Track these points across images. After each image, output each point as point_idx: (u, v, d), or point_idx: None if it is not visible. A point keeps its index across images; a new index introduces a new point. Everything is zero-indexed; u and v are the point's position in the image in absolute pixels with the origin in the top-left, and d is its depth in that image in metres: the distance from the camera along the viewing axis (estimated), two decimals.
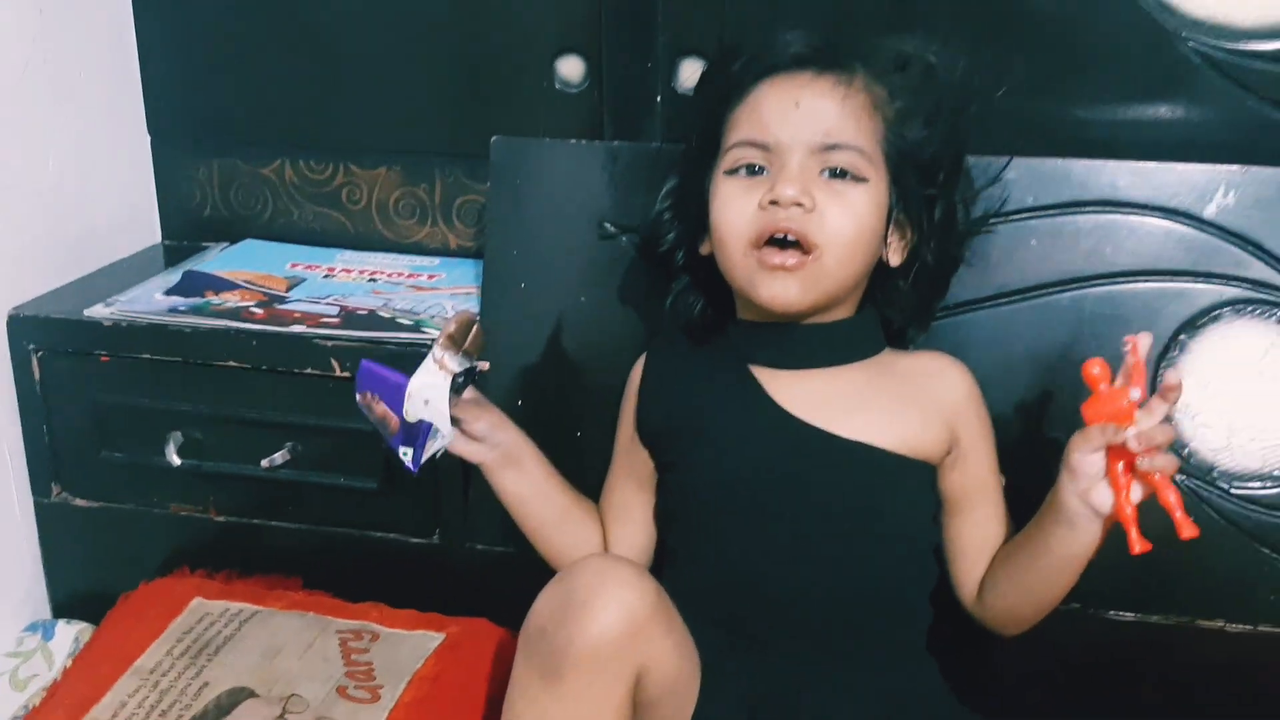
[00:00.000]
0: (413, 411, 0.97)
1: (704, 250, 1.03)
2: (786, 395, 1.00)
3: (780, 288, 0.95)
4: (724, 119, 0.99)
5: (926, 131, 0.98)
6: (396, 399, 0.97)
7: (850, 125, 0.95)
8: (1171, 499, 0.85)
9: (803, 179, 0.93)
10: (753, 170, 0.96)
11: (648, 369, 1.07)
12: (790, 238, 0.93)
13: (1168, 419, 0.86)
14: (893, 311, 1.04)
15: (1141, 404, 0.85)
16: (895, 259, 1.00)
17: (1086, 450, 0.87)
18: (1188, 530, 0.84)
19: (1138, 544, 0.86)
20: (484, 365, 0.99)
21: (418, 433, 0.97)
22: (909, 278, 1.02)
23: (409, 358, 1.16)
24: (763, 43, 0.99)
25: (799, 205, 0.93)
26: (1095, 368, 0.86)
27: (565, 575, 0.88)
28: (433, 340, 0.98)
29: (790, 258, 0.94)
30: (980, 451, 1.01)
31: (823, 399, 0.99)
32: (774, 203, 0.93)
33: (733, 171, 0.97)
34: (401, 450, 0.99)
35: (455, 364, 0.96)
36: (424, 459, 0.98)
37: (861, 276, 0.99)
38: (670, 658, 0.89)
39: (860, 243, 0.96)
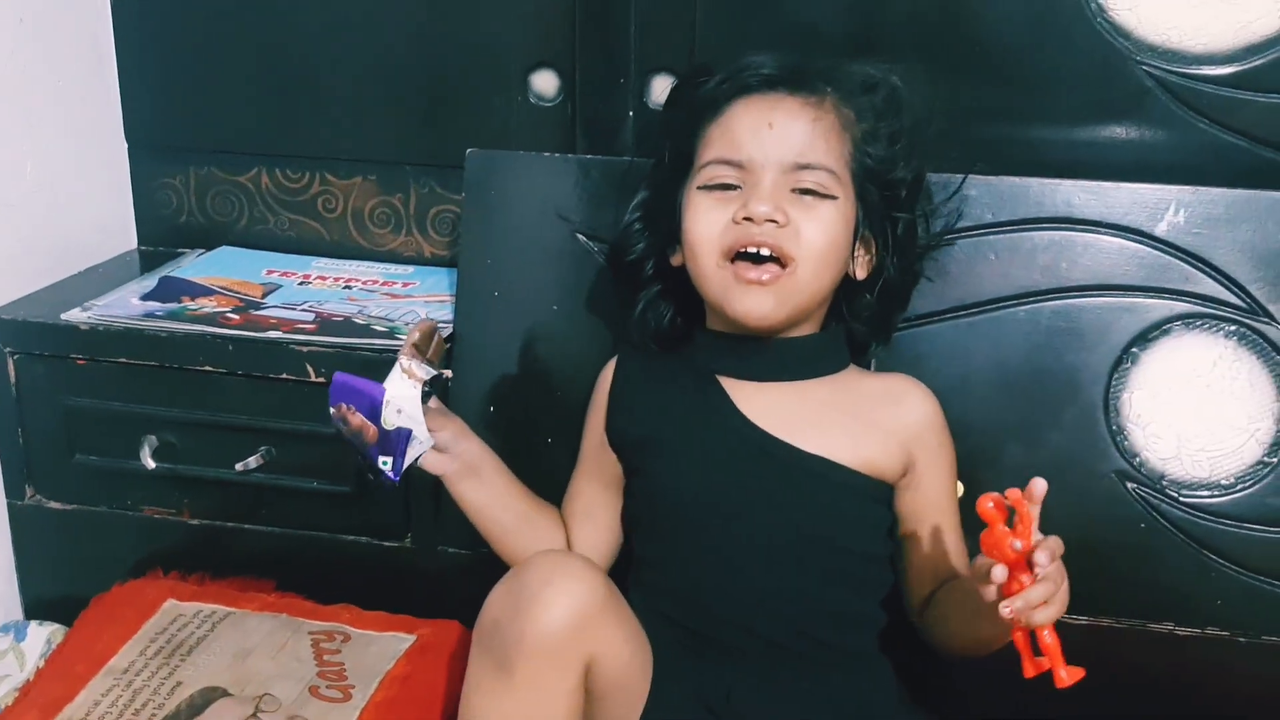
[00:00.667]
0: (391, 419, 0.98)
1: (675, 261, 1.05)
2: (752, 407, 1.02)
3: (754, 302, 0.98)
4: (697, 135, 1.02)
5: (891, 151, 1.01)
6: (374, 408, 0.98)
7: (820, 145, 0.98)
8: (1049, 641, 0.84)
9: (775, 196, 0.96)
10: (726, 186, 0.99)
11: (617, 375, 1.10)
12: (765, 252, 0.96)
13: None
14: (857, 324, 1.07)
15: (1031, 552, 0.84)
16: (861, 273, 1.04)
17: (980, 580, 0.86)
18: (1063, 678, 0.84)
19: (1029, 669, 0.86)
20: (448, 373, 1.01)
21: (397, 440, 0.99)
22: (874, 291, 1.05)
23: (383, 364, 1.17)
24: (735, 63, 1.02)
25: (773, 221, 0.96)
26: (988, 503, 0.85)
27: (517, 571, 0.91)
28: (397, 350, 1.00)
29: (765, 273, 0.97)
30: (935, 477, 1.04)
31: (787, 412, 1.02)
32: (748, 219, 0.96)
33: (706, 187, 1.00)
34: (381, 460, 1.00)
35: (423, 372, 0.98)
36: (405, 466, 1.00)
37: (830, 290, 1.02)
38: (621, 650, 0.92)
39: (831, 255, 0.99)
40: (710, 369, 1.05)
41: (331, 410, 1.01)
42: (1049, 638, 0.85)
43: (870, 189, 1.01)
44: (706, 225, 0.99)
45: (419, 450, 1.00)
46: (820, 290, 1.00)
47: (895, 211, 1.03)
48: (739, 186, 0.99)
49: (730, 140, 0.99)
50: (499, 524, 1.07)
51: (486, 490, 1.06)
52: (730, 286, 0.98)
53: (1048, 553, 0.84)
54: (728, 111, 1.00)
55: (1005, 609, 0.83)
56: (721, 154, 0.99)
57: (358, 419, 0.99)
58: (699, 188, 1.00)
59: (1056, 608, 0.85)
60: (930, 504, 1.04)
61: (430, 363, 1.00)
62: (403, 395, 0.98)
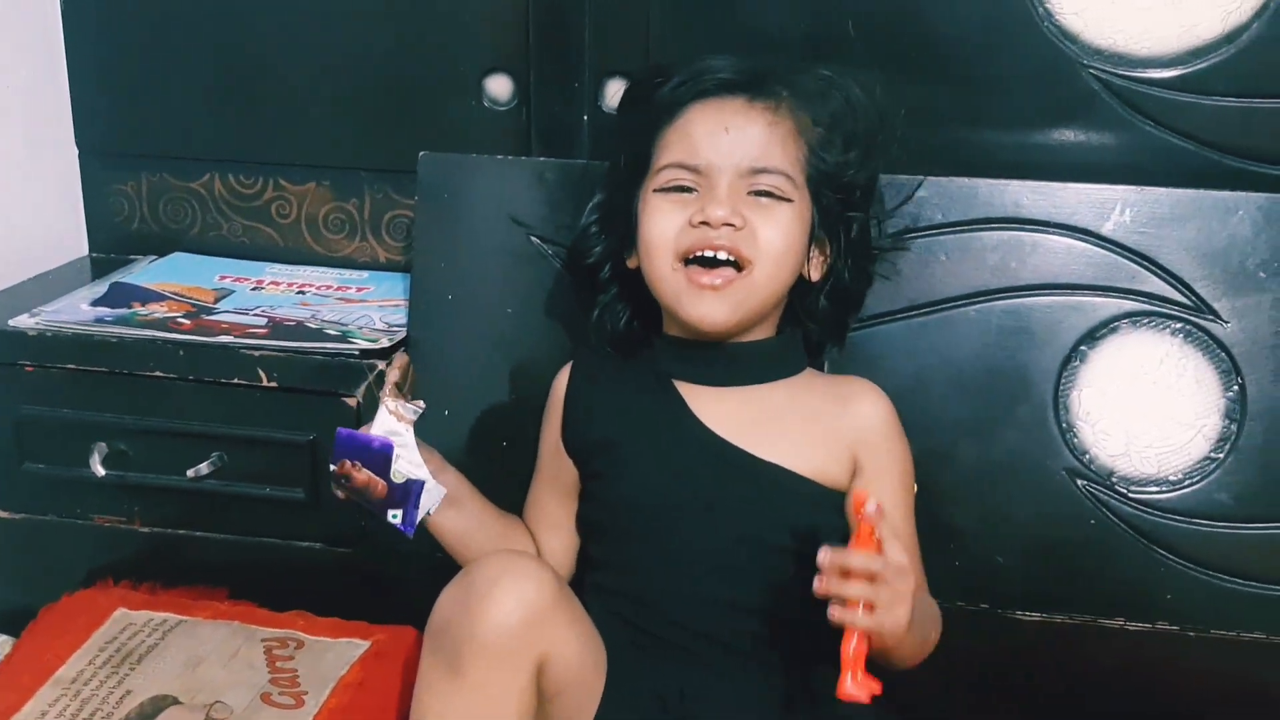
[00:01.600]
0: (402, 471, 0.95)
1: (631, 264, 1.05)
2: (708, 412, 1.02)
3: (708, 308, 0.98)
4: (654, 138, 1.02)
5: (845, 155, 1.02)
6: (384, 462, 0.95)
7: (776, 150, 0.99)
8: (850, 651, 0.83)
9: (732, 200, 0.97)
10: (682, 189, 0.99)
11: (573, 380, 1.10)
12: (721, 255, 0.97)
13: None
14: (812, 325, 1.07)
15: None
16: (815, 274, 1.04)
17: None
18: (846, 685, 0.83)
19: (844, 685, 0.84)
20: (422, 404, 0.99)
21: (409, 493, 0.96)
22: (827, 293, 1.05)
23: (335, 368, 1.18)
24: (692, 66, 1.03)
25: (730, 225, 0.96)
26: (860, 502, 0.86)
27: (467, 570, 0.91)
28: (372, 383, 0.98)
29: (719, 277, 0.97)
30: (883, 483, 1.01)
31: (743, 418, 1.02)
32: (705, 223, 0.97)
33: (663, 190, 1.00)
34: (390, 514, 0.97)
35: (410, 412, 0.96)
36: (419, 518, 0.97)
37: (785, 292, 1.02)
38: (572, 649, 0.92)
39: (788, 257, 1.00)
40: (667, 374, 1.05)
41: (333, 467, 0.96)
42: (855, 645, 0.83)
43: (825, 192, 1.02)
44: (662, 228, 0.99)
45: (433, 500, 0.98)
46: (776, 292, 1.01)
47: (849, 213, 1.04)
48: (695, 190, 0.99)
49: (687, 144, 0.99)
50: (476, 547, 1.06)
51: (465, 518, 1.06)
52: (684, 291, 0.99)
53: (863, 558, 0.84)
54: (684, 115, 1.01)
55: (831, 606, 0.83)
56: (678, 158, 0.99)
57: (364, 475, 0.96)
58: (655, 190, 1.00)
59: (875, 619, 0.84)
60: None
61: (410, 399, 0.97)
62: (401, 442, 0.95)
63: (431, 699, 0.90)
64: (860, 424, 1.03)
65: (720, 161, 0.98)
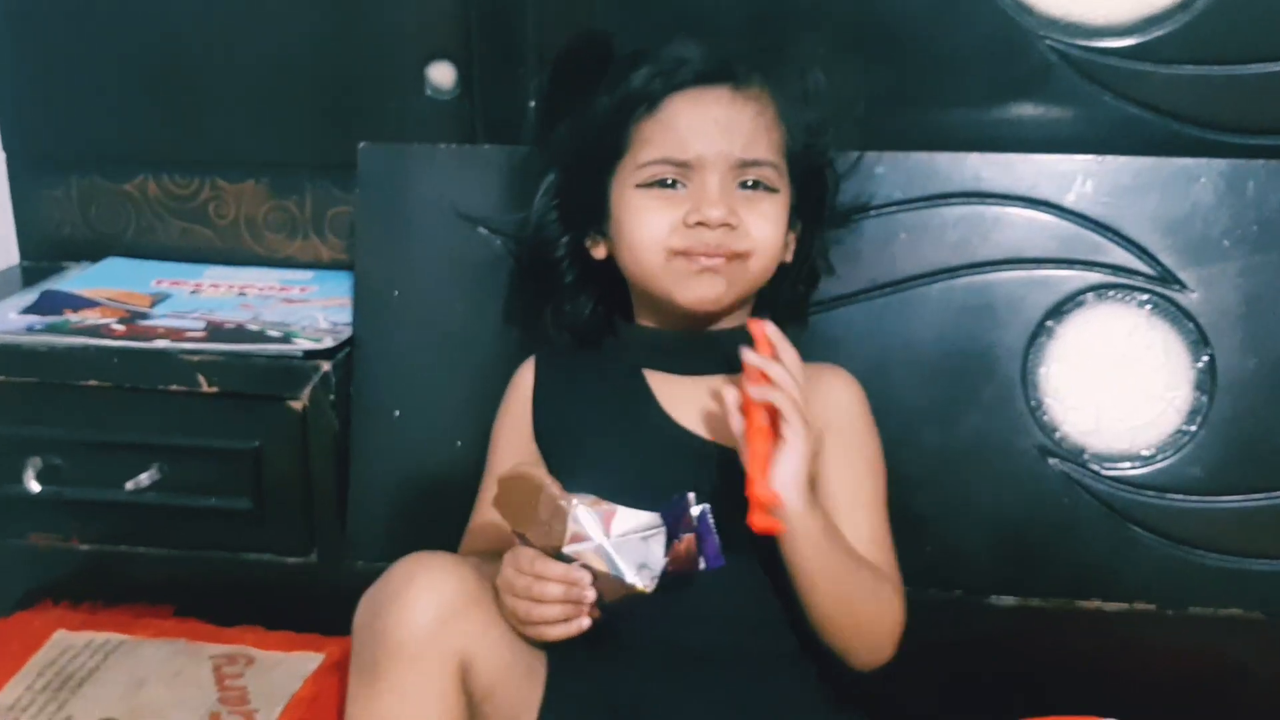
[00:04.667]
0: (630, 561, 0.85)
1: (598, 254, 1.02)
2: (675, 402, 1.00)
3: (706, 288, 0.96)
4: (626, 130, 0.98)
5: (821, 138, 1.01)
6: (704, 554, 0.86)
7: (763, 139, 0.97)
8: (758, 451, 0.87)
9: (725, 197, 0.95)
10: (666, 184, 0.97)
11: (540, 375, 1.06)
12: (716, 263, 0.95)
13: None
14: (782, 308, 1.05)
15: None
16: (789, 256, 1.03)
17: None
18: (757, 490, 0.85)
19: (754, 487, 0.86)
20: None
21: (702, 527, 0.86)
22: (801, 274, 1.04)
23: (278, 371, 1.14)
24: (662, 56, 0.99)
25: (726, 225, 0.94)
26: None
27: (384, 574, 0.88)
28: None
29: (717, 260, 0.95)
30: (845, 466, 0.97)
31: (712, 407, 0.99)
32: (701, 224, 0.94)
33: (646, 185, 0.97)
34: (703, 567, 0.86)
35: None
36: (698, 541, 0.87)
37: (768, 278, 1.00)
38: (498, 648, 0.88)
39: (779, 248, 0.99)
40: (635, 364, 1.02)
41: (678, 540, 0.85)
42: (760, 446, 0.87)
43: (805, 176, 1.01)
44: (652, 228, 0.96)
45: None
46: (765, 278, 1.00)
47: (821, 194, 1.03)
48: (681, 184, 0.96)
49: (673, 139, 0.96)
50: None
51: None
52: (678, 279, 0.96)
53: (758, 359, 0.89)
54: (665, 108, 0.97)
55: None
56: (664, 153, 0.96)
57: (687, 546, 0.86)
58: (637, 186, 0.97)
59: (778, 396, 0.88)
60: (833, 496, 0.96)
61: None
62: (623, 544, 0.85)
63: (355, 709, 0.87)
64: (824, 409, 0.99)
65: (710, 155, 0.95)
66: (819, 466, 0.98)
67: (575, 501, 0.84)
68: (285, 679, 1.09)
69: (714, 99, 0.97)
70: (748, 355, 0.90)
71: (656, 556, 0.84)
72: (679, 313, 0.98)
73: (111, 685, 1.07)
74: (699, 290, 0.96)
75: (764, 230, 0.96)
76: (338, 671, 1.10)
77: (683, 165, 0.96)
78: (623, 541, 0.84)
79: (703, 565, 0.85)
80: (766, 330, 0.92)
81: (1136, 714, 1.01)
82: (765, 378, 0.89)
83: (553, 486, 0.84)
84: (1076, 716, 1.01)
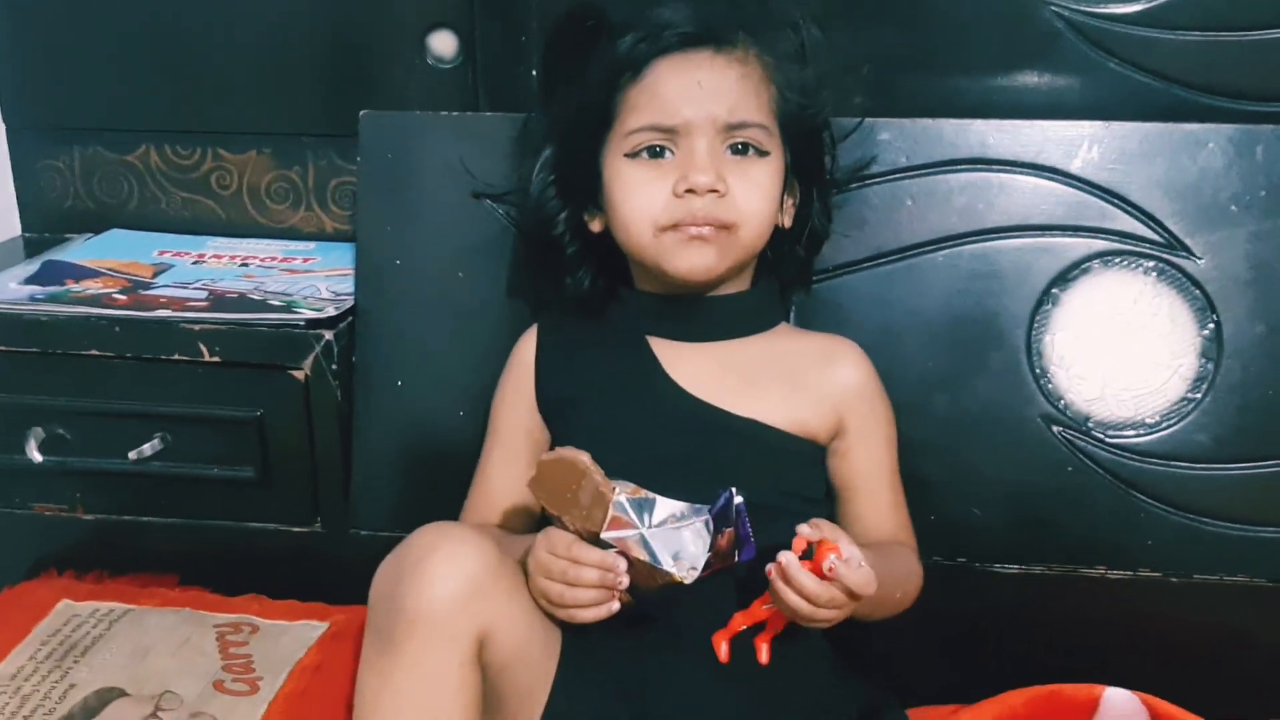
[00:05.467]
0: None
1: (595, 227, 1.01)
2: (681, 369, 0.99)
3: (698, 256, 0.95)
4: (614, 97, 0.97)
5: (813, 98, 0.99)
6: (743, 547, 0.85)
7: (751, 101, 0.95)
8: (758, 613, 0.88)
9: (714, 162, 0.94)
10: (655, 152, 0.95)
11: (543, 343, 1.05)
12: (706, 231, 0.94)
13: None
14: (784, 273, 1.04)
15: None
16: (788, 222, 1.02)
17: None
18: (720, 637, 0.88)
19: (731, 626, 0.89)
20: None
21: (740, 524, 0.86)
22: (801, 239, 1.03)
23: (280, 340, 1.13)
24: (647, 20, 0.97)
25: (714, 191, 0.93)
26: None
27: (403, 543, 0.87)
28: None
29: (706, 229, 0.94)
30: (867, 445, 1.00)
31: (718, 374, 0.99)
32: (690, 191, 0.93)
33: (634, 155, 0.96)
34: (740, 560, 0.85)
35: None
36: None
37: (764, 245, 1.00)
38: (517, 623, 0.87)
39: (770, 214, 0.97)
40: (639, 330, 1.01)
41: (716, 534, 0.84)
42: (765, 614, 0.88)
43: (797, 137, 0.99)
44: (643, 200, 0.95)
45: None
46: (758, 247, 0.99)
47: (818, 155, 1.02)
48: (669, 151, 0.95)
49: (659, 104, 0.95)
50: None
51: None
52: (667, 250, 0.95)
53: (811, 582, 0.84)
54: (650, 73, 0.96)
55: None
56: (650, 120, 0.95)
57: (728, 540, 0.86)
58: (626, 155, 0.96)
59: (805, 611, 0.85)
60: (862, 474, 1.01)
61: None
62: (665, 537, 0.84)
63: (371, 676, 0.86)
64: (845, 383, 1.00)
65: (697, 119, 0.94)
66: (844, 445, 1.00)
67: (617, 489, 0.83)
68: (289, 647, 1.09)
69: (699, 62, 0.95)
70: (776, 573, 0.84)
71: (694, 547, 0.83)
72: (675, 282, 0.98)
73: (116, 654, 1.07)
74: (690, 259, 0.95)
75: (752, 200, 0.95)
76: (341, 640, 1.10)
77: (669, 131, 0.95)
78: (662, 531, 0.83)
79: (738, 558, 0.84)
80: (832, 562, 0.83)
81: (1141, 681, 1.01)
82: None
83: (596, 473, 0.83)
84: (1081, 684, 1.01)
